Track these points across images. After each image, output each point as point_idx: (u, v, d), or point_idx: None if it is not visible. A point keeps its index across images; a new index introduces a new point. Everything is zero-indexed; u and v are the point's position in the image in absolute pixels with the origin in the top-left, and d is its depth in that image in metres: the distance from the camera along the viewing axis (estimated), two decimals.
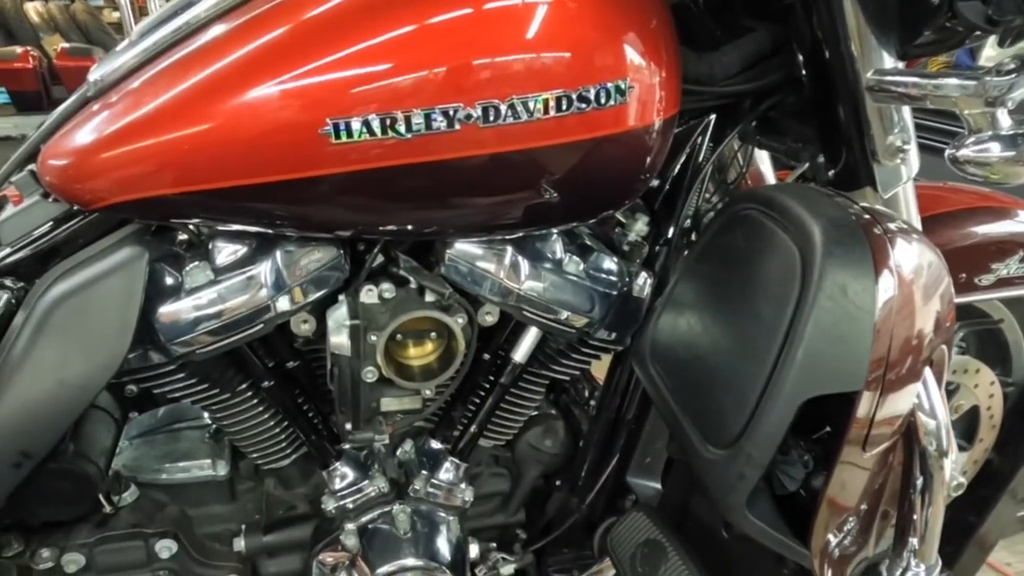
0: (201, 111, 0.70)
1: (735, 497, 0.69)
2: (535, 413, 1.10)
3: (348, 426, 0.89)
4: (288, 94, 0.69)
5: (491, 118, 0.71)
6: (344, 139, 0.69)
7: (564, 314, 0.91)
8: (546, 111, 0.72)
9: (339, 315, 0.84)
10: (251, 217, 0.77)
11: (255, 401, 0.93)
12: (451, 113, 0.70)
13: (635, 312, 0.96)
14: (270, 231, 0.79)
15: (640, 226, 0.99)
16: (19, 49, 5.41)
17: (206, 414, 1.06)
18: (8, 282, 0.80)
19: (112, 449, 1.00)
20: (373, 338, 0.84)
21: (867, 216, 0.72)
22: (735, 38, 0.89)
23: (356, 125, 0.69)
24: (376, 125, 0.69)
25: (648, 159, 0.81)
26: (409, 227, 0.81)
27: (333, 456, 0.97)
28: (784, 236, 0.72)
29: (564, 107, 0.72)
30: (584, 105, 0.73)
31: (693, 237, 1.04)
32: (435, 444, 1.02)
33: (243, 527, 1.00)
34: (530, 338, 0.96)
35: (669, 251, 1.01)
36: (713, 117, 0.97)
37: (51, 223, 0.80)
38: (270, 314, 0.83)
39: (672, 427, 0.82)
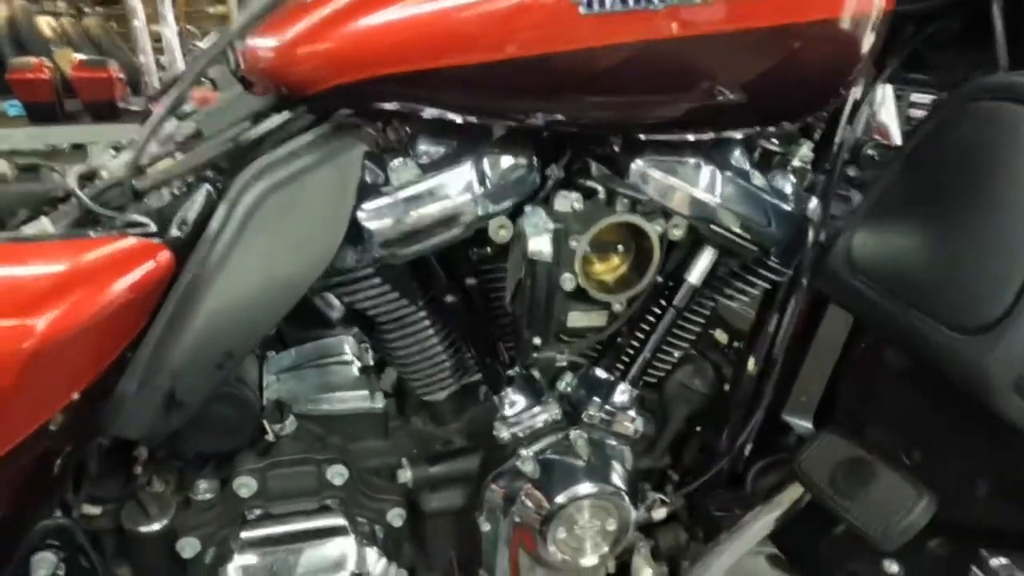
0: None
1: (999, 380, 0.67)
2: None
3: (536, 340, 0.85)
4: None
5: None
6: (596, 9, 0.67)
7: (750, 230, 0.90)
8: None
9: (538, 219, 0.81)
10: (472, 101, 0.74)
11: (432, 319, 0.90)
12: None
13: (803, 237, 0.95)
14: (484, 119, 0.76)
15: (804, 151, 0.98)
16: (33, 60, 5.38)
17: (367, 344, 1.03)
18: (210, 175, 0.76)
19: (260, 383, 0.96)
20: (573, 244, 0.82)
21: None
22: None
23: None
24: None
25: (861, 54, 0.80)
26: (618, 116, 0.78)
27: (505, 381, 0.94)
28: None
29: None
30: None
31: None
32: (601, 373, 0.98)
33: (405, 460, 0.95)
34: (705, 260, 0.94)
35: (831, 180, 1.00)
36: None
37: (252, 117, 0.78)
38: (474, 215, 0.80)
39: (891, 327, 0.80)
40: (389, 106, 0.74)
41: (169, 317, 0.73)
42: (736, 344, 1.15)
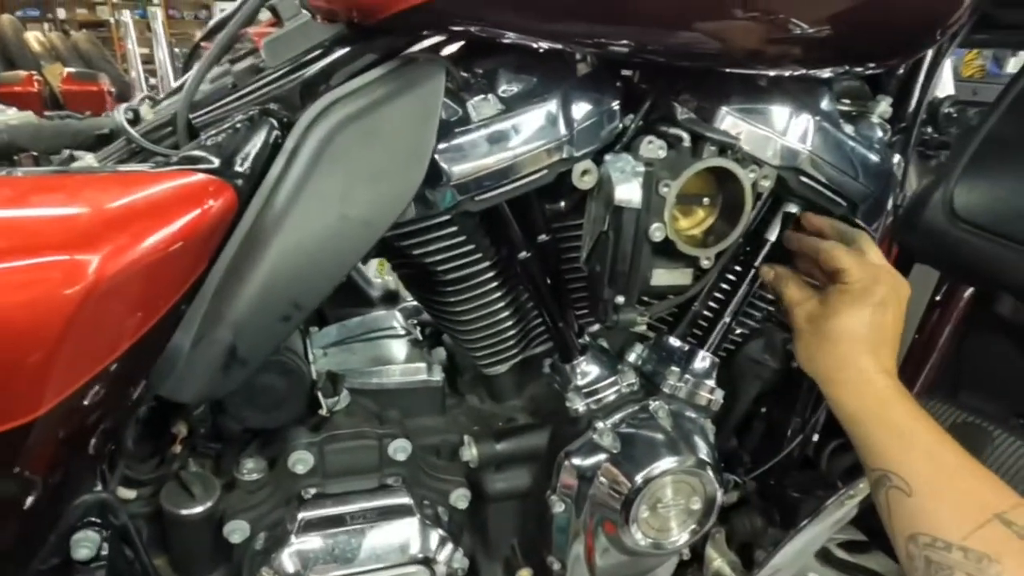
0: None
1: None
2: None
3: (619, 299, 0.78)
4: None
5: None
6: None
7: (840, 182, 0.84)
8: None
9: (626, 164, 0.75)
10: (558, 23, 0.67)
11: (502, 279, 0.83)
12: None
13: (886, 193, 0.90)
14: (569, 44, 0.70)
15: (884, 107, 0.94)
16: (23, 73, 5.28)
17: (415, 320, 0.96)
18: (274, 108, 0.70)
19: (306, 356, 0.89)
20: (664, 190, 0.75)
21: None
22: None
23: None
24: None
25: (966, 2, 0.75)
26: (709, 46, 0.71)
27: (577, 349, 0.87)
28: None
29: None
30: None
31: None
32: (675, 342, 0.92)
33: (467, 437, 0.88)
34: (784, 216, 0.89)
35: (909, 137, 0.96)
36: None
37: (319, 47, 0.71)
38: (559, 157, 0.74)
39: (1006, 271, 0.74)
40: (473, 28, 0.68)
41: (230, 263, 0.66)
42: None
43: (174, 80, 5.56)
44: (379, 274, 1.22)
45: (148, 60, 5.67)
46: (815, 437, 1.06)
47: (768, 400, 1.07)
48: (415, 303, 1.09)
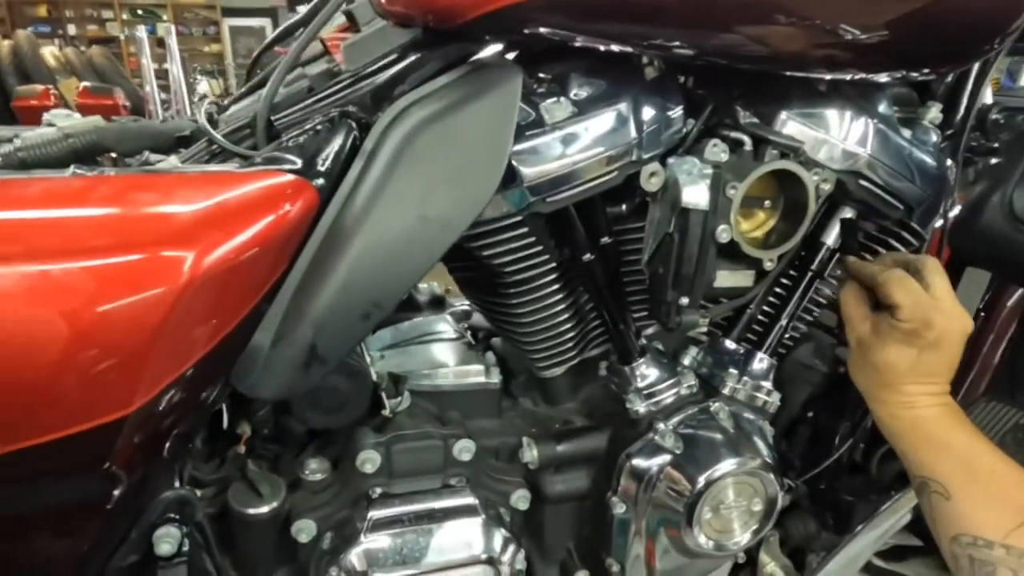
0: None
1: None
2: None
3: (684, 301, 0.79)
4: None
5: None
6: None
7: (898, 186, 0.85)
8: None
9: (692, 167, 0.76)
10: (627, 26, 0.68)
11: (565, 281, 0.84)
12: None
13: (941, 197, 0.91)
14: (638, 47, 0.71)
15: (934, 113, 0.95)
16: (39, 87, 5.34)
17: (465, 324, 0.97)
18: (352, 110, 0.71)
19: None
20: (730, 191, 0.76)
21: None
22: None
23: None
24: None
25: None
26: (771, 49, 0.72)
27: (636, 352, 0.87)
28: None
29: None
30: None
31: None
32: (731, 345, 0.92)
33: (527, 439, 0.88)
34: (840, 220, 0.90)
35: (959, 143, 0.96)
36: None
37: (395, 52, 0.73)
38: (628, 159, 0.75)
39: None
40: (544, 31, 0.69)
41: (310, 263, 0.67)
42: None
43: (187, 95, 5.63)
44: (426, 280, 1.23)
45: (158, 75, 5.72)
46: (864, 442, 1.07)
47: (816, 404, 1.07)
48: (463, 307, 1.10)
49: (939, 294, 0.76)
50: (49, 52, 6.18)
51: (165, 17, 10.52)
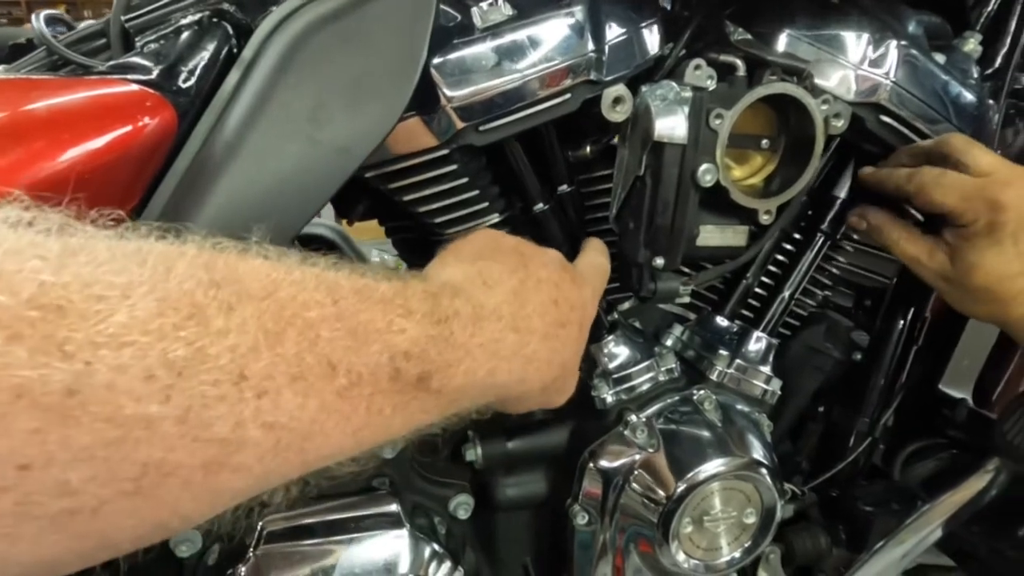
0: None
1: None
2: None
3: (659, 261, 0.63)
4: None
5: None
6: None
7: (928, 123, 0.69)
8: None
9: (668, 91, 0.60)
10: None
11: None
12: None
13: (983, 141, 0.74)
14: None
15: (973, 45, 0.79)
16: None
17: None
18: (230, 10, 0.56)
19: None
20: (716, 122, 0.60)
21: None
22: None
23: None
24: None
25: None
26: None
27: (605, 327, 0.72)
28: None
29: None
30: None
31: None
32: (723, 322, 0.77)
33: (471, 433, 0.73)
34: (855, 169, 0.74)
35: (1002, 82, 0.80)
36: None
37: None
38: (584, 76, 0.59)
39: None
40: None
41: (171, 197, 0.52)
42: (867, 303, 0.93)
43: None
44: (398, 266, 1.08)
45: None
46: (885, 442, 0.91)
47: (828, 397, 0.91)
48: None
49: (985, 167, 0.61)
50: None
51: None
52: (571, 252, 0.70)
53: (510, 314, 0.45)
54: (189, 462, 0.27)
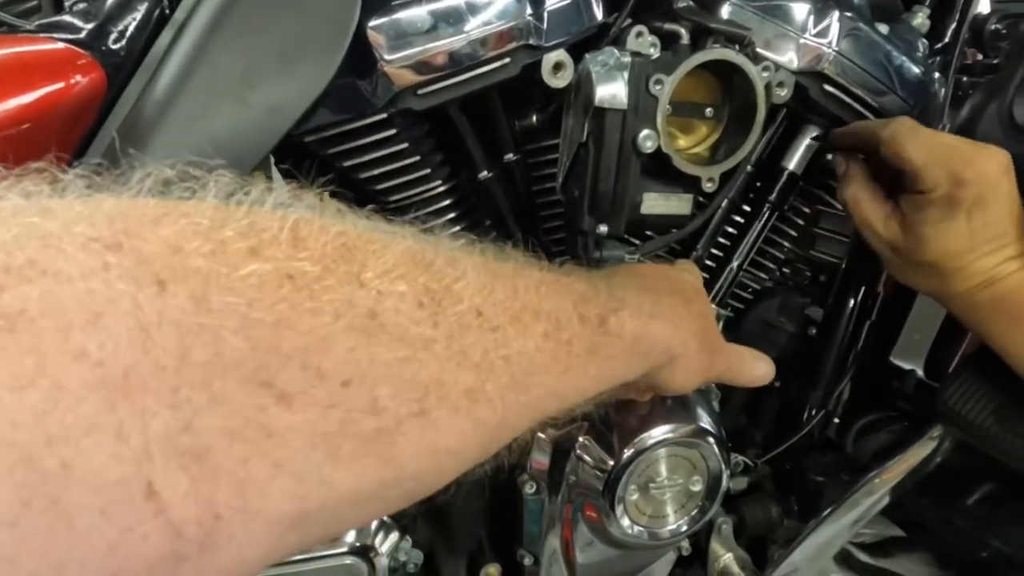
0: None
1: None
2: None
3: (602, 228, 0.64)
4: None
5: None
6: None
7: (873, 93, 0.70)
8: None
9: (608, 58, 0.60)
10: None
11: (460, 210, 0.69)
12: None
13: (928, 113, 0.75)
14: None
15: (921, 19, 0.79)
16: None
17: None
18: None
19: None
20: (656, 87, 0.60)
21: None
22: None
23: None
24: None
25: None
26: None
27: None
28: None
29: None
30: None
31: None
32: None
33: None
34: (806, 141, 0.74)
35: (951, 57, 0.81)
36: None
37: None
38: (523, 39, 0.59)
39: None
40: None
41: (102, 159, 0.52)
42: (821, 278, 0.93)
43: None
44: None
45: None
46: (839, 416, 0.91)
47: (784, 371, 0.91)
48: None
49: (949, 140, 0.62)
50: None
51: None
52: (517, 220, 0.70)
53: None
54: (455, 386, 0.31)
